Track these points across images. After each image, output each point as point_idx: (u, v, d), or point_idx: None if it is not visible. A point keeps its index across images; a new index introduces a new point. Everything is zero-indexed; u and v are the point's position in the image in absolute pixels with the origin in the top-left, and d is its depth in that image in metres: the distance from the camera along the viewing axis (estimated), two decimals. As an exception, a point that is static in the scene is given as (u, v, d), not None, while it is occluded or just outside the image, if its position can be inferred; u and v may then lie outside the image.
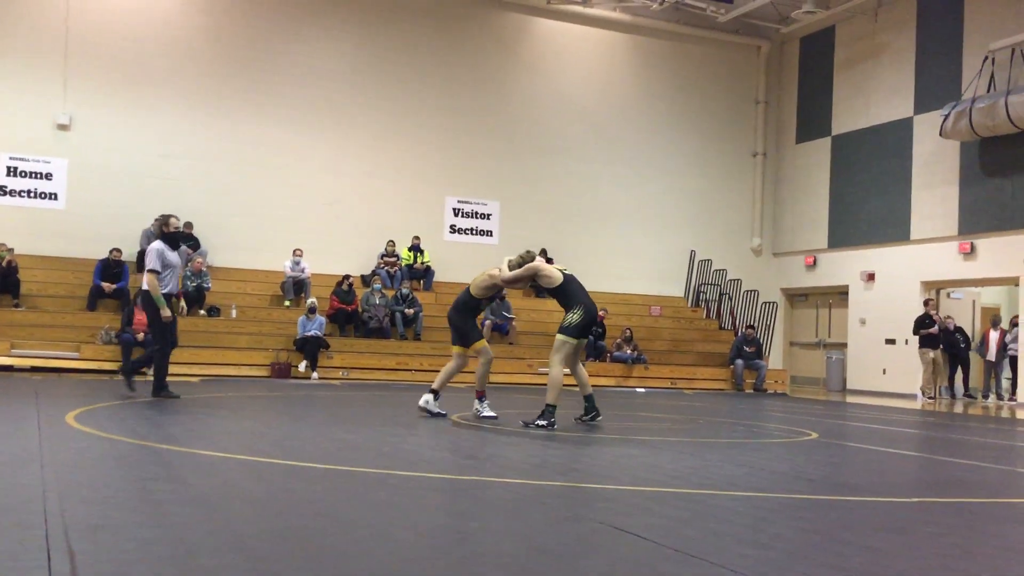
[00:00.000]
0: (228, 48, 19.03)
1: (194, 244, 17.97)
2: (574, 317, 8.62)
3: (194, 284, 16.89)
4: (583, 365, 9.29)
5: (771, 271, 23.23)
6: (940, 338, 18.26)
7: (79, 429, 7.10)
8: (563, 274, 8.97)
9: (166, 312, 9.94)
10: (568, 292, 8.82)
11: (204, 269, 17.22)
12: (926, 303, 18.64)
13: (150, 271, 9.91)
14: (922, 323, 18.19)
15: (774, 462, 7.00)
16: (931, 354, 18.16)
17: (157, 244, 10.11)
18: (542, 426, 8.38)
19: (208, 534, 3.76)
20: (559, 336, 8.67)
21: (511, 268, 9.08)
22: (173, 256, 10.03)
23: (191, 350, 15.78)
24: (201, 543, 3.57)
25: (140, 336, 14.98)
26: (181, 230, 10.34)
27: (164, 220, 10.18)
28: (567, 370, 8.74)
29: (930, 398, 18.06)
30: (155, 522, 3.92)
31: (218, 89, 18.88)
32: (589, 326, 8.78)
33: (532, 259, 9.06)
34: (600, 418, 9.11)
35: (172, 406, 9.54)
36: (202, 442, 6.75)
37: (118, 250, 16.77)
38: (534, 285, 9.54)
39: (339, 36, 19.89)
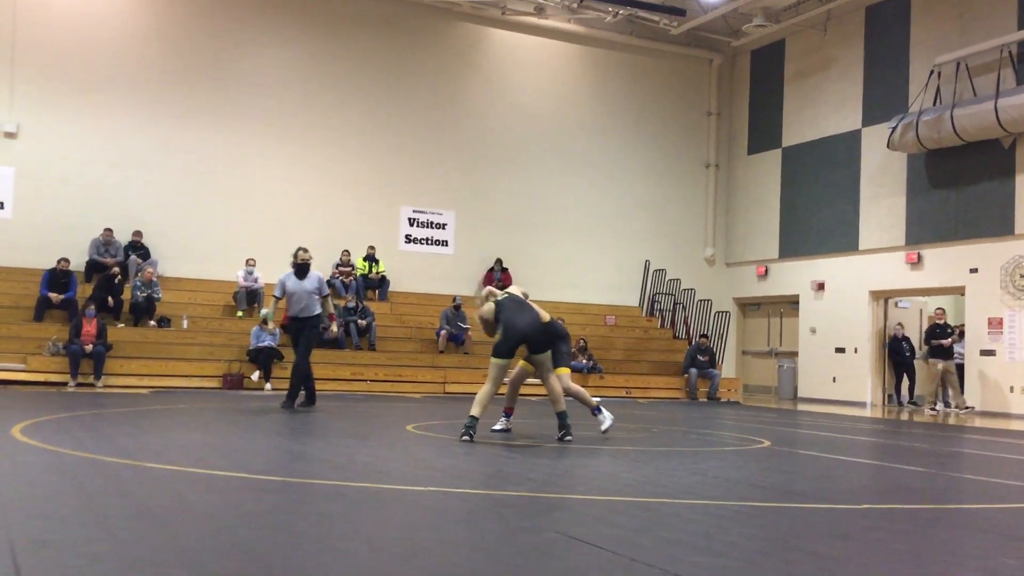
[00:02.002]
0: (179, 56, 18.82)
1: (143, 254, 17.73)
2: (496, 337, 8.69)
3: (144, 294, 16.65)
4: (550, 379, 8.76)
5: (724, 281, 23.47)
6: (952, 350, 17.38)
7: (25, 442, 6.96)
8: (495, 302, 8.80)
9: (267, 326, 11.99)
10: (501, 318, 8.73)
11: (154, 279, 16.98)
12: (936, 312, 17.92)
13: (274, 296, 11.64)
14: (932, 333, 17.53)
15: (727, 470, 7.06)
16: (940, 365, 17.32)
17: (283, 274, 11.59)
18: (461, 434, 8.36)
19: (156, 549, 3.70)
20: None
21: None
22: (292, 284, 11.32)
23: (141, 361, 15.59)
24: (149, 558, 3.52)
25: (88, 348, 14.75)
26: (307, 261, 11.49)
27: (294, 252, 11.58)
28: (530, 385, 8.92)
29: (933, 410, 17.39)
30: (102, 537, 3.85)
31: (168, 97, 18.66)
32: (512, 342, 8.54)
33: (484, 304, 9.03)
34: (569, 438, 8.57)
35: (120, 419, 9.39)
36: (151, 455, 6.65)
37: (66, 260, 16.47)
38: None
39: (292, 45, 19.77)
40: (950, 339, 17.41)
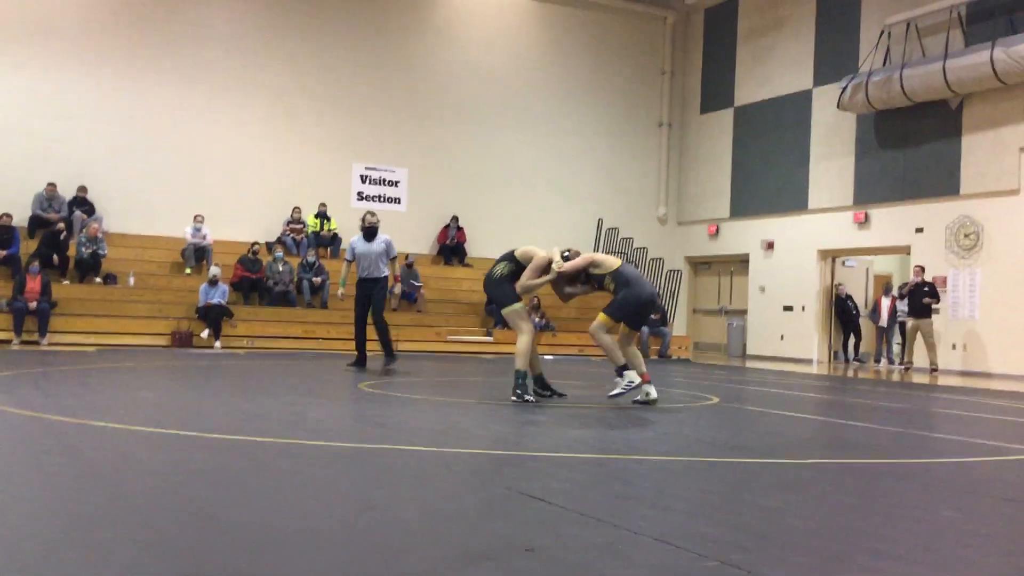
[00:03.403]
0: (126, 4, 18.29)
1: (88, 209, 17.37)
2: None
3: (89, 251, 16.34)
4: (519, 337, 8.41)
5: (676, 240, 23.63)
6: (929, 309, 17.00)
7: (-34, 401, 6.82)
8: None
9: (339, 291, 12.20)
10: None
11: (100, 235, 16.67)
12: (915, 269, 17.56)
13: (345, 260, 12.14)
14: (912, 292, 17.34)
15: (677, 426, 7.15)
16: (910, 323, 17.29)
17: (353, 238, 12.05)
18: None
19: (104, 507, 3.66)
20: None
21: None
22: (361, 247, 11.70)
23: (87, 319, 15.33)
24: (96, 517, 3.48)
25: (32, 305, 14.47)
26: (375, 224, 11.77)
27: (363, 216, 11.98)
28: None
29: (904, 367, 17.48)
30: (48, 496, 3.80)
31: (114, 48, 18.16)
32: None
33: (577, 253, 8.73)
34: (514, 399, 8.04)
35: (66, 377, 9.24)
36: (98, 413, 6.56)
37: (8, 215, 16.07)
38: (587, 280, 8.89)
39: (241, -4, 19.32)
40: (891, 297, 17.67)
